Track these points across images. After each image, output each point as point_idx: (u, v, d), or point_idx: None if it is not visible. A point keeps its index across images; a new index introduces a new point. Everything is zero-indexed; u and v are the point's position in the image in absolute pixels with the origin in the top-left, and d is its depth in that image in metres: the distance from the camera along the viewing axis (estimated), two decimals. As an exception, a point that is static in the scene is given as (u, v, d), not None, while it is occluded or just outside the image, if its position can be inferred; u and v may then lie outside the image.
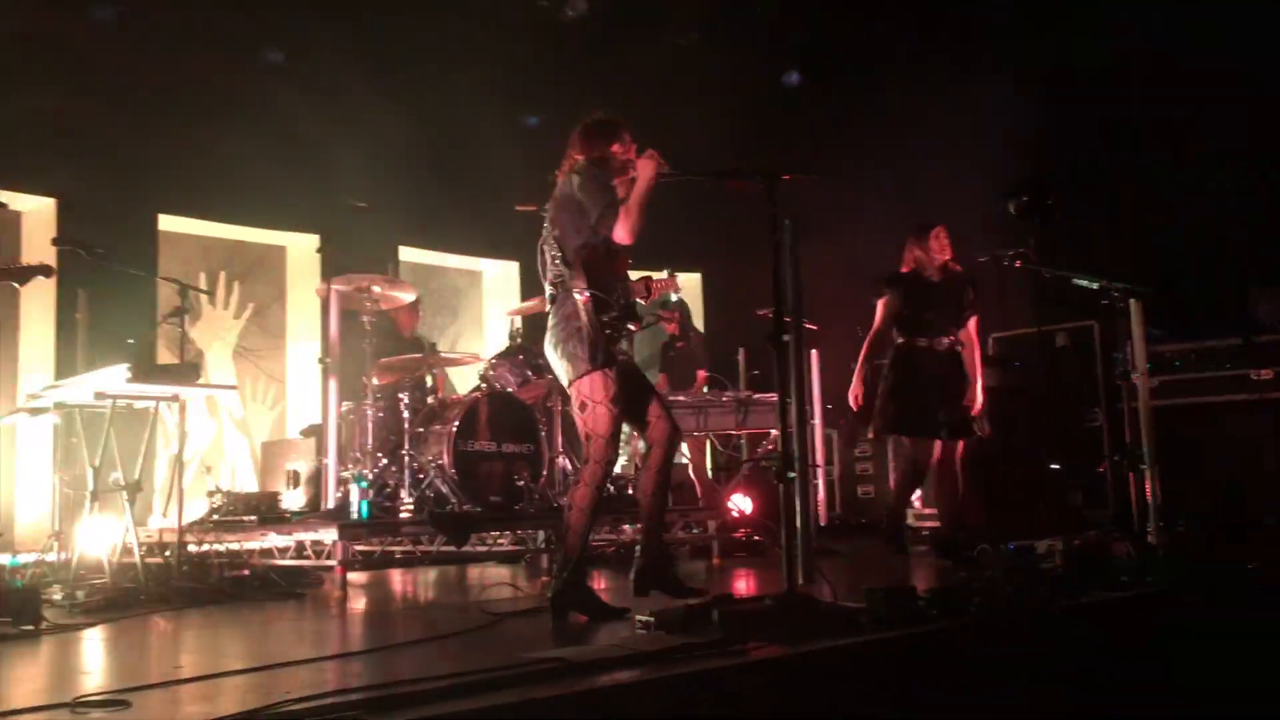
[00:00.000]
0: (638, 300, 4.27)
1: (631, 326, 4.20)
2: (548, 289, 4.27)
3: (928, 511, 7.13)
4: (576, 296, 4.05)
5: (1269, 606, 4.75)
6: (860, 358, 6.20)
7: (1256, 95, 8.23)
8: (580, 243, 4.14)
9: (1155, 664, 4.02)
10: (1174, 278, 8.24)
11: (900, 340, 6.23)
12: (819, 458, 8.77)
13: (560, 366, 4.18)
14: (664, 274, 5.77)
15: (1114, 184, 8.98)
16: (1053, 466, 7.49)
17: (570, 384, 4.16)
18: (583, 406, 4.11)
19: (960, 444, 6.13)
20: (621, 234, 4.11)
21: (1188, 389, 7.39)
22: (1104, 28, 8.89)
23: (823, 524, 8.69)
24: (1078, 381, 8.11)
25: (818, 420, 8.75)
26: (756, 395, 7.78)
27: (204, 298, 8.69)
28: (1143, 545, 5.08)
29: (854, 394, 6.17)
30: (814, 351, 8.83)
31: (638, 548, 4.26)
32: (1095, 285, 5.80)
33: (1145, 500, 5.30)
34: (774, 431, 7.47)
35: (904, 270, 6.32)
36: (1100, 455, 7.72)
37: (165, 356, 7.74)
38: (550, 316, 4.23)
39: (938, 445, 6.15)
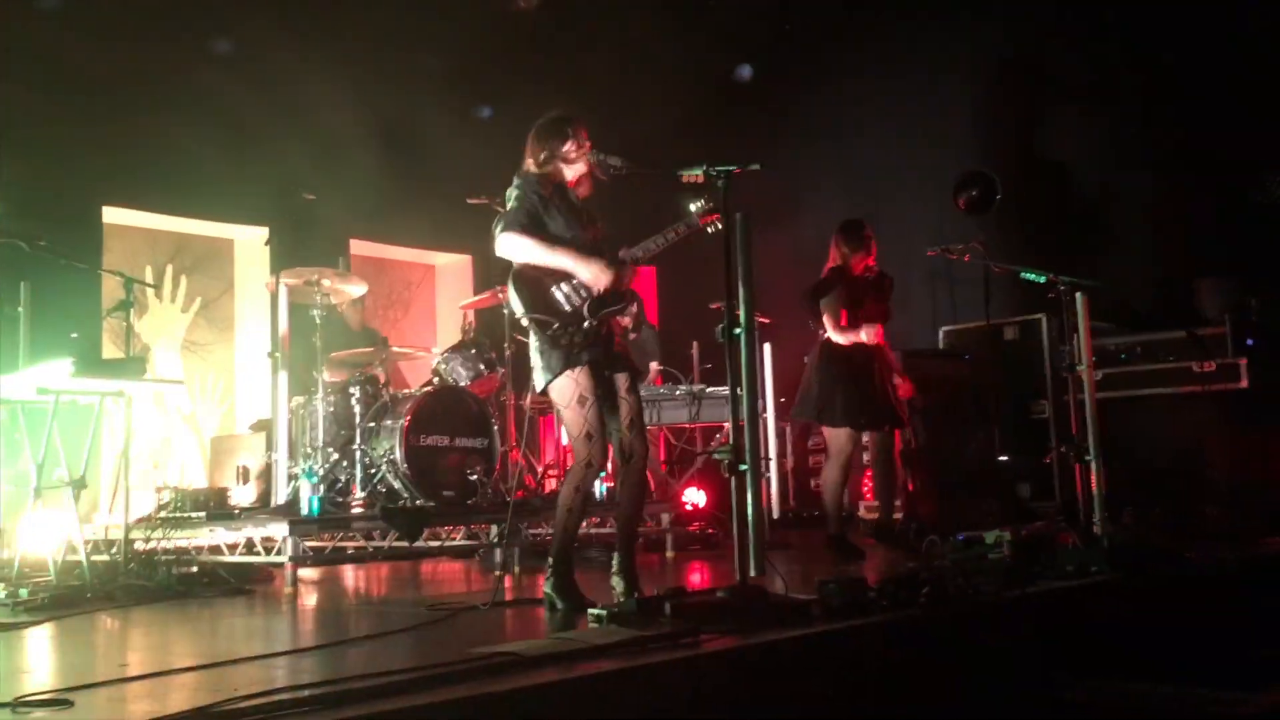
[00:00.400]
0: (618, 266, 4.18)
1: (608, 311, 4.17)
2: None
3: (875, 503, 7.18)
4: (517, 312, 4.12)
5: (1207, 593, 4.86)
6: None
7: (1196, 83, 8.36)
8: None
9: (1101, 650, 4.09)
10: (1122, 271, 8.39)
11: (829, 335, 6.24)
12: (771, 451, 8.82)
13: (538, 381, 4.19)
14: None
15: (1062, 176, 9.08)
16: (1001, 458, 7.59)
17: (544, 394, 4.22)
18: (558, 412, 4.19)
19: (896, 435, 6.24)
20: (499, 247, 4.14)
21: (1133, 381, 7.51)
22: (1049, 16, 8.99)
23: (775, 517, 8.74)
24: (1026, 374, 8.21)
25: (770, 413, 8.80)
26: (710, 389, 7.81)
27: (150, 291, 8.56)
28: (1088, 536, 5.15)
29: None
30: (766, 345, 8.87)
31: (614, 559, 4.26)
32: (1042, 279, 5.87)
33: (1091, 491, 5.37)
34: (727, 425, 7.50)
35: (831, 266, 6.34)
36: (1047, 447, 7.82)
37: (110, 351, 7.62)
38: None
39: (872, 438, 6.23)
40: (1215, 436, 7.12)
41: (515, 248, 4.11)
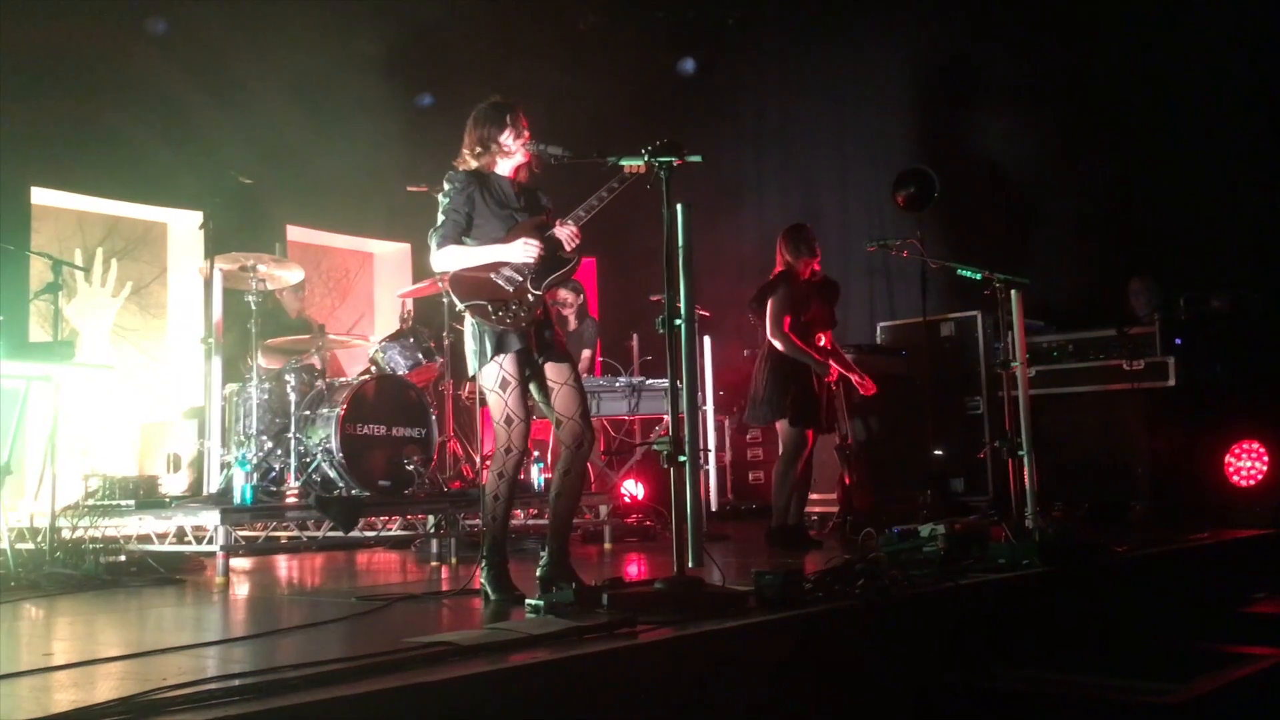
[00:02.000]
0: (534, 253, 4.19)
1: (555, 277, 4.20)
2: None
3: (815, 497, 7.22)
4: (457, 305, 4.16)
5: (1135, 585, 4.96)
6: (812, 353, 6.23)
7: (1129, 83, 8.52)
8: None
9: (1034, 641, 4.16)
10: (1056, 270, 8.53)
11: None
12: (710, 443, 8.85)
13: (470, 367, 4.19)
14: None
15: (999, 173, 9.20)
16: (935, 453, 7.69)
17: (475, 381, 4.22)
18: (483, 398, 4.18)
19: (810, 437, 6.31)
20: (434, 265, 4.23)
21: (1064, 378, 7.63)
22: (984, 18, 9.11)
23: (713, 510, 8.77)
24: (961, 370, 8.32)
25: (709, 406, 8.83)
26: (649, 381, 7.82)
27: (80, 275, 8.38)
28: (1021, 530, 5.23)
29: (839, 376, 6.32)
30: (706, 338, 8.90)
31: (542, 549, 4.23)
32: (978, 276, 5.94)
33: (1023, 486, 5.45)
34: (666, 417, 7.51)
35: (778, 271, 6.36)
36: (981, 442, 7.93)
37: (39, 335, 7.45)
38: None
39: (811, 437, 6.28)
40: (1143, 433, 7.26)
41: (446, 261, 4.18)
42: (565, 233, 4.20)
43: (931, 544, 4.75)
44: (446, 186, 4.21)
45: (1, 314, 6.33)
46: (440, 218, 4.19)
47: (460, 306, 4.15)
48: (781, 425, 6.27)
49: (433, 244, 4.19)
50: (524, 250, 4.11)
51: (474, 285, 4.12)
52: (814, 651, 3.42)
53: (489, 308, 4.07)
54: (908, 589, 3.88)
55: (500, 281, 4.12)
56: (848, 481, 6.59)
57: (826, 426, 6.34)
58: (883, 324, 8.94)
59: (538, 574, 4.13)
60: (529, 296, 4.12)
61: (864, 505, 6.51)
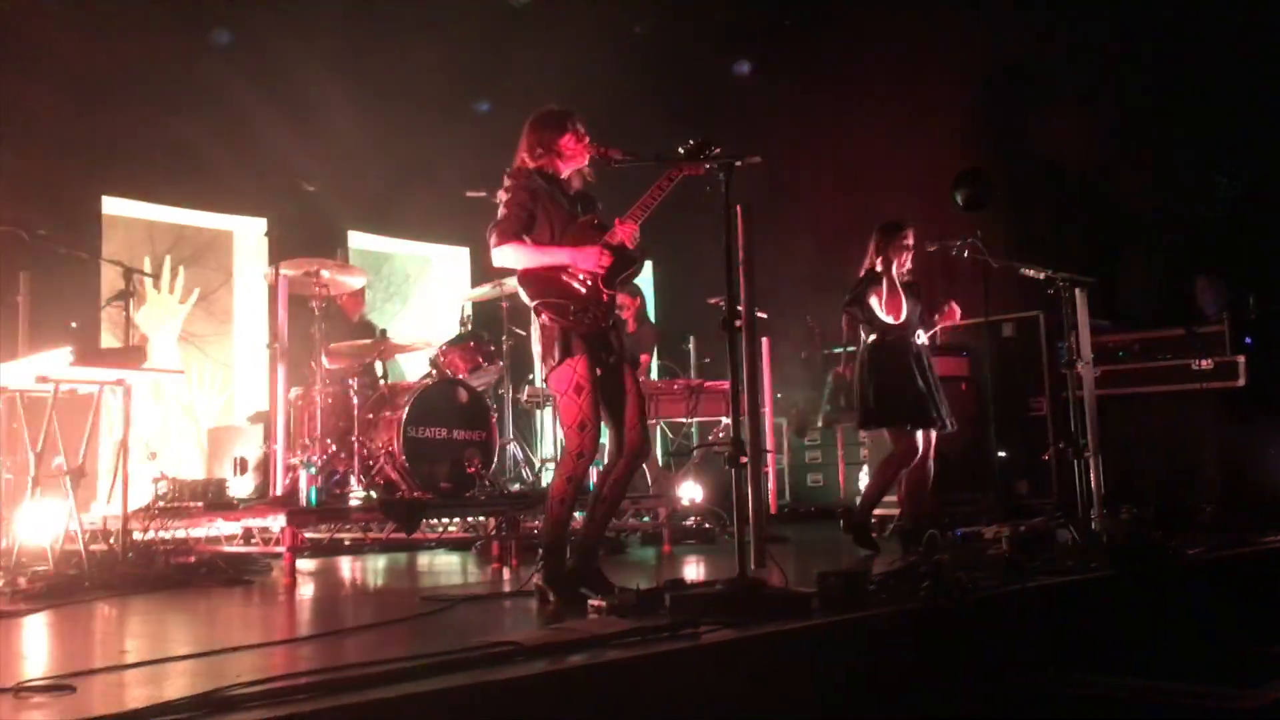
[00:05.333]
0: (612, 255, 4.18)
1: (625, 276, 4.17)
2: None
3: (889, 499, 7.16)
4: (528, 303, 4.12)
5: (1204, 589, 4.87)
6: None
7: (1202, 79, 8.37)
8: None
9: (1100, 645, 4.10)
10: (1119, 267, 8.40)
11: (876, 336, 6.15)
12: (769, 445, 8.82)
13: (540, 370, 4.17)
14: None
15: (1060, 173, 9.09)
16: (1000, 454, 7.60)
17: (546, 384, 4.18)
18: (554, 400, 4.14)
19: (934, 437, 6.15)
20: (494, 259, 4.15)
21: (1131, 379, 7.51)
22: (1048, 15, 9.00)
23: (772, 512, 8.74)
24: (1023, 371, 8.22)
25: (768, 408, 8.80)
26: (707, 383, 7.81)
27: (149, 282, 8.54)
28: (1086, 532, 5.16)
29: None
30: (764, 339, 8.87)
31: (569, 546, 4.19)
32: (1041, 275, 5.87)
33: (1089, 488, 5.37)
34: (725, 419, 7.50)
35: (870, 267, 6.22)
36: (1045, 444, 7.83)
37: (109, 341, 7.60)
38: None
39: (921, 438, 6.10)
40: (1212, 434, 7.13)
41: (510, 258, 4.12)
42: (628, 232, 4.17)
43: (996, 546, 4.71)
44: (508, 183, 4.19)
45: (74, 321, 6.49)
46: (501, 212, 4.15)
47: (531, 304, 4.09)
48: (887, 429, 6.13)
49: (492, 239, 4.12)
50: (595, 260, 4.06)
51: (546, 283, 4.07)
52: (877, 654, 3.40)
53: (569, 307, 4.03)
54: (972, 591, 3.84)
55: (573, 281, 4.07)
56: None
57: (940, 421, 6.11)
58: (942, 325, 8.84)
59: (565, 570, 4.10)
60: (603, 297, 4.08)
61: (928, 508, 6.44)
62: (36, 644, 3.69)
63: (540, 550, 4.15)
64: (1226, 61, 8.19)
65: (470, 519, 6.56)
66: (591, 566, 4.09)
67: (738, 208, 3.77)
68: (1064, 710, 3.57)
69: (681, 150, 3.99)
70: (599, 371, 4.08)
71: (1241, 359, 7.07)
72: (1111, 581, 4.39)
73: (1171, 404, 7.29)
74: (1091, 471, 5.38)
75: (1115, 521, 5.79)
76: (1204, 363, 7.14)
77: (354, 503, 5.98)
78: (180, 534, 5.92)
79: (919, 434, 6.08)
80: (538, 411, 7.96)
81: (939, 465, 6.39)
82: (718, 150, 3.85)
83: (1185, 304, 7.71)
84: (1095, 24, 8.70)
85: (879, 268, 6.18)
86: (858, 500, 8.17)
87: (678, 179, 4.07)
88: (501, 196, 4.20)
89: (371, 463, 6.20)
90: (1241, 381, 7.05)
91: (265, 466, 6.34)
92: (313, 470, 5.69)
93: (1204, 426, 7.16)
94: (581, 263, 4.07)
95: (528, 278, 4.12)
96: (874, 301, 6.10)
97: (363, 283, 6.92)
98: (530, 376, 7.29)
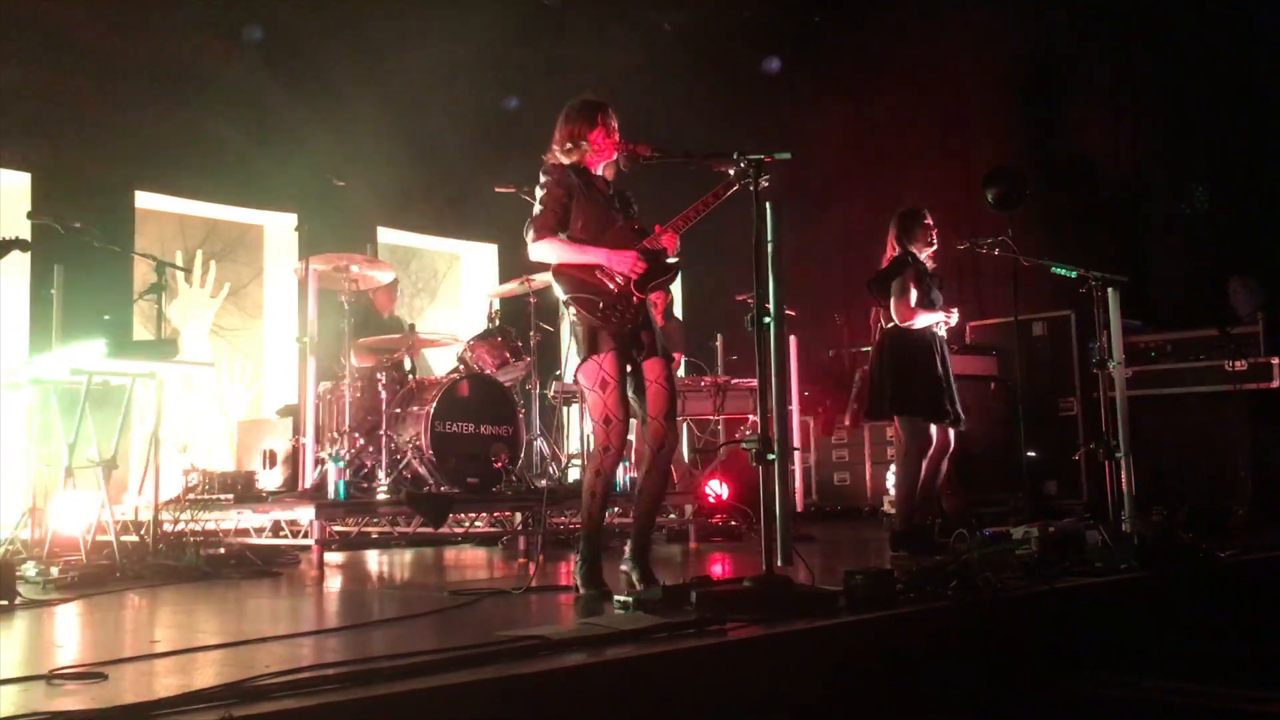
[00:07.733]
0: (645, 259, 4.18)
1: (656, 284, 4.18)
2: None
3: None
4: (560, 298, 4.16)
5: (1237, 591, 4.81)
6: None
7: (1237, 79, 8.28)
8: None
9: (1130, 647, 4.06)
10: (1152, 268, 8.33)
11: (899, 323, 5.96)
12: (796, 443, 8.80)
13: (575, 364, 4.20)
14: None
15: (1092, 171, 9.01)
16: (1029, 455, 7.55)
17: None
18: (583, 395, 4.18)
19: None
20: (531, 254, 4.21)
21: (1163, 379, 7.45)
22: (1080, 14, 8.93)
23: (799, 510, 8.72)
24: (1053, 370, 8.16)
25: (795, 405, 8.78)
26: (734, 380, 7.80)
27: (180, 276, 8.61)
28: (1117, 533, 5.11)
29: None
30: (792, 337, 8.85)
31: (627, 545, 4.27)
32: (1073, 274, 5.82)
33: (1120, 489, 5.33)
34: (752, 416, 7.48)
35: (893, 254, 6.08)
36: (1075, 444, 7.77)
37: (141, 334, 7.66)
38: None
39: (937, 433, 5.97)
40: (1246, 436, 7.05)
41: (547, 254, 4.18)
42: (670, 241, 4.19)
43: (1025, 546, 4.68)
44: (544, 178, 4.22)
45: (108, 314, 6.55)
46: (538, 208, 4.19)
47: (565, 298, 4.15)
48: (899, 420, 5.98)
49: (529, 235, 4.17)
50: (631, 265, 4.10)
51: (580, 280, 4.13)
52: (904, 653, 3.38)
53: (598, 303, 4.08)
54: (1001, 591, 3.82)
55: (606, 280, 4.12)
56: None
57: (954, 416, 5.97)
58: (972, 324, 8.81)
59: (621, 568, 4.16)
60: (633, 299, 4.12)
61: (955, 507, 6.40)
62: (69, 633, 3.72)
63: (580, 544, 4.21)
64: (1266, 59, 8.10)
65: (497, 514, 6.58)
66: (641, 559, 4.14)
67: (767, 204, 3.75)
68: (1093, 712, 3.54)
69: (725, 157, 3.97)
70: (627, 369, 4.11)
71: (1276, 360, 7.00)
72: (1142, 583, 4.35)
73: (1204, 405, 7.22)
74: (1122, 472, 5.33)
75: (1146, 523, 5.73)
76: (1237, 364, 7.06)
77: (381, 497, 6.01)
78: (210, 526, 5.97)
79: (933, 427, 5.97)
80: (564, 407, 7.97)
81: (969, 465, 6.34)
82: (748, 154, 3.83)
83: (1219, 305, 7.63)
84: (1128, 21, 8.63)
85: (899, 254, 6.06)
86: (886, 505, 8.15)
87: (724, 195, 4.09)
88: (537, 192, 4.22)
89: (399, 457, 6.23)
90: (1275, 383, 6.98)
91: (294, 460, 6.38)
92: (341, 464, 5.73)
93: (1237, 428, 7.09)
94: (616, 265, 4.11)
95: (562, 273, 4.17)
96: (898, 284, 5.94)
97: (391, 277, 6.95)
98: (557, 372, 7.30)
